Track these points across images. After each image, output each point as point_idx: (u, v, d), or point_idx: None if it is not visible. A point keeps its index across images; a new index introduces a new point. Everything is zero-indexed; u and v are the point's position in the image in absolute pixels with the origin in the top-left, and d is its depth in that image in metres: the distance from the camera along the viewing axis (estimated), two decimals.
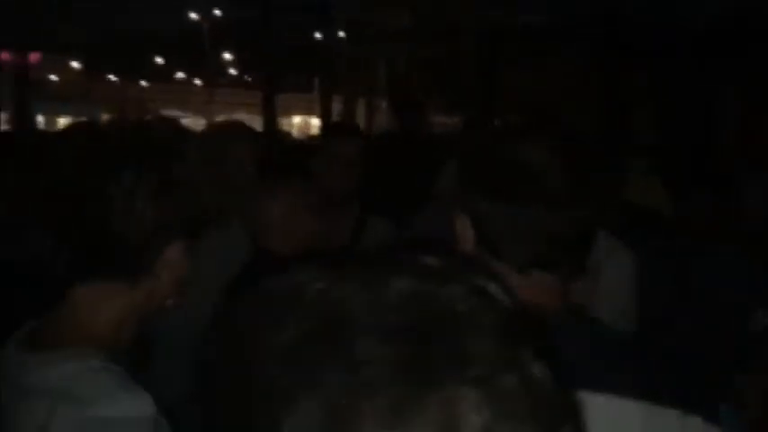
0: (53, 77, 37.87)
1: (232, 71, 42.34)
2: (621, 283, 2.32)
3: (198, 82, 43.97)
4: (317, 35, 24.45)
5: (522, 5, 11.53)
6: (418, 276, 0.45)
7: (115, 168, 1.00)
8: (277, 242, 2.02)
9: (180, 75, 46.36)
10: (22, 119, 17.53)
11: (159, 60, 42.94)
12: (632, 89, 11.58)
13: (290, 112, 40.86)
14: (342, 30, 24.35)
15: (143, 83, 43.35)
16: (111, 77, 42.99)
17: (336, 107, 24.12)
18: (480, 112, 12.17)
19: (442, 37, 15.99)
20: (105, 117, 41.78)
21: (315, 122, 29.64)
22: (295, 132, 30.37)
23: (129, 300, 1.00)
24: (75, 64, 41.00)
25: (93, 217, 0.97)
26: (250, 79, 38.19)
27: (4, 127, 21.07)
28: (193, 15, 34.27)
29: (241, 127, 3.07)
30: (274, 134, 13.04)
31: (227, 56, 40.07)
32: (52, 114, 33.89)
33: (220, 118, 43.08)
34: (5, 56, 32.45)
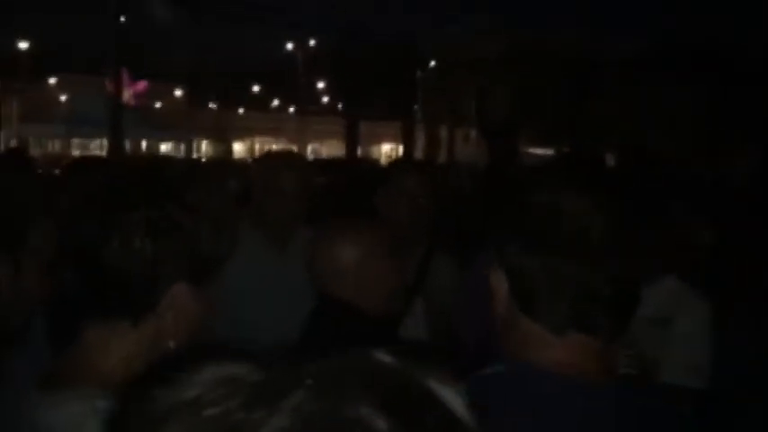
0: (158, 105, 39.84)
1: (325, 99, 43.29)
2: (694, 335, 2.19)
3: (292, 110, 45.22)
4: (410, 64, 24.76)
5: (620, 34, 11.27)
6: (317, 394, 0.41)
7: (116, 208, 1.03)
8: (349, 292, 1.71)
9: (276, 103, 47.85)
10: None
11: (256, 89, 44.47)
12: (737, 121, 11.05)
13: (381, 140, 41.32)
14: (434, 59, 24.52)
15: (240, 110, 44.97)
16: (212, 105, 44.82)
17: (420, 135, 24.20)
18: (574, 144, 11.89)
19: (536, 66, 15.84)
20: (204, 144, 43.75)
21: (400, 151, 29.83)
22: (383, 161, 30.70)
23: (135, 340, 1.02)
24: (178, 92, 43.01)
25: (90, 255, 1.01)
26: (341, 108, 38.97)
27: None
28: (289, 45, 35.35)
29: (290, 156, 2.98)
30: (355, 162, 13.06)
31: (321, 84, 41.03)
32: (156, 140, 35.63)
33: (312, 146, 44.21)
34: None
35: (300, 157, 3.50)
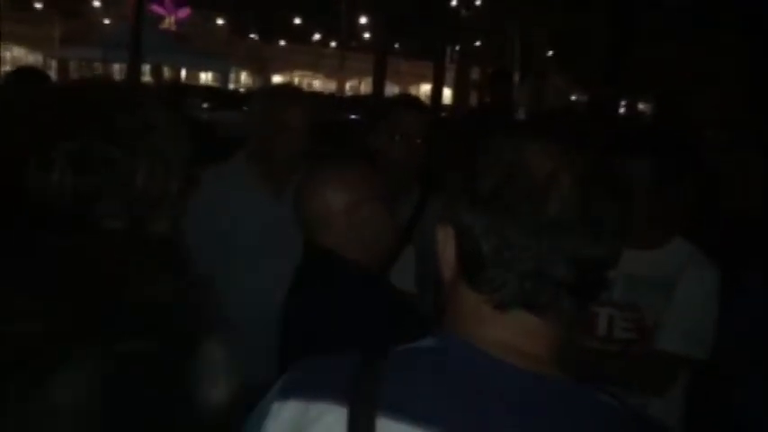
0: (200, 33, 39.61)
1: (367, 36, 42.62)
2: (697, 303, 2.01)
3: (333, 45, 44.63)
4: (453, 3, 24.07)
5: None
6: None
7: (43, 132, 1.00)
8: (336, 240, 1.60)
9: (317, 36, 47.25)
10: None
11: (298, 21, 43.90)
12: None
13: (422, 80, 40.69)
14: None
15: (282, 43, 44.54)
16: (253, 36, 44.43)
17: (450, 76, 23.59)
18: (609, 90, 11.50)
19: (576, 8, 15.25)
20: (243, 74, 43.59)
21: (447, 92, 29.32)
22: (424, 100, 30.15)
23: None
24: (219, 21, 42.68)
25: (8, 184, 0.99)
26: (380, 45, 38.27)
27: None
28: None
29: (294, 91, 2.75)
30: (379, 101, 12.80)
31: (363, 20, 40.30)
32: (195, 69, 35.56)
33: (351, 83, 43.73)
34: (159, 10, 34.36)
35: (304, 92, 3.32)
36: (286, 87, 3.65)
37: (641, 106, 20.26)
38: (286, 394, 0.85)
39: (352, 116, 14.69)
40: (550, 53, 21.84)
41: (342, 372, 0.83)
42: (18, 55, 37.11)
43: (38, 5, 37.57)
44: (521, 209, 0.81)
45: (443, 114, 15.88)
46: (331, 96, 29.25)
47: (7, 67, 34.12)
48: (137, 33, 16.66)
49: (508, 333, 0.84)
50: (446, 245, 0.89)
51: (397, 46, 38.51)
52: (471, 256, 0.84)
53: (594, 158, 0.87)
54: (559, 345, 0.86)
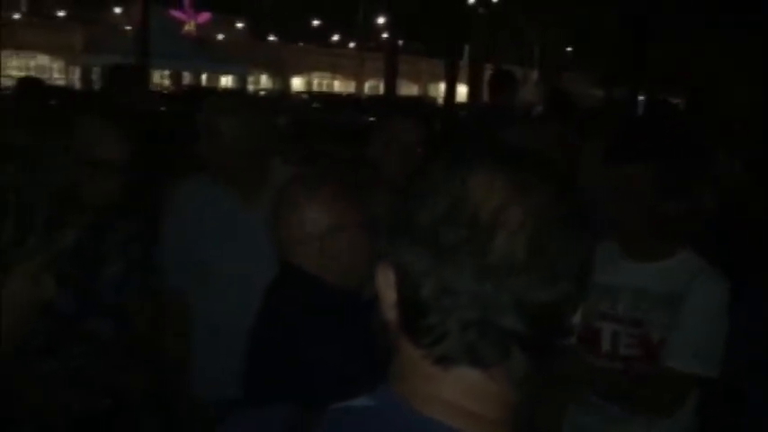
0: (220, 37, 39.82)
1: (385, 36, 42.57)
2: (706, 319, 1.92)
3: (352, 45, 44.63)
4: (470, 1, 23.91)
5: None
6: None
7: None
8: (313, 263, 1.52)
9: (335, 38, 47.28)
10: None
11: (316, 23, 43.94)
12: None
13: (440, 79, 40.52)
14: None
15: (300, 44, 44.62)
16: (272, 38, 44.57)
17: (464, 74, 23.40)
18: (629, 87, 11.31)
19: (593, 6, 15.04)
20: (263, 77, 43.71)
21: (462, 90, 29.15)
22: (440, 100, 30.08)
23: None
24: (239, 24, 42.87)
25: None
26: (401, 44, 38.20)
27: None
28: None
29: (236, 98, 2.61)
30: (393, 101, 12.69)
31: (381, 20, 40.24)
32: (215, 73, 35.75)
33: (370, 83, 43.66)
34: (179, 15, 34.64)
35: (249, 98, 3.21)
36: (226, 98, 3.43)
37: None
38: None
39: (371, 118, 14.67)
40: (569, 49, 21.60)
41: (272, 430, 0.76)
42: (42, 63, 37.60)
43: (60, 13, 38.01)
44: (462, 249, 0.71)
45: (459, 113, 15.79)
46: (349, 97, 29.23)
47: (32, 74, 34.67)
48: (144, 38, 16.76)
49: (453, 392, 0.73)
50: (386, 285, 0.77)
51: (416, 45, 38.41)
52: (409, 300, 0.74)
53: (555, 188, 0.76)
54: (512, 405, 0.75)
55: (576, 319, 0.75)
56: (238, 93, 3.94)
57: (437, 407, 0.73)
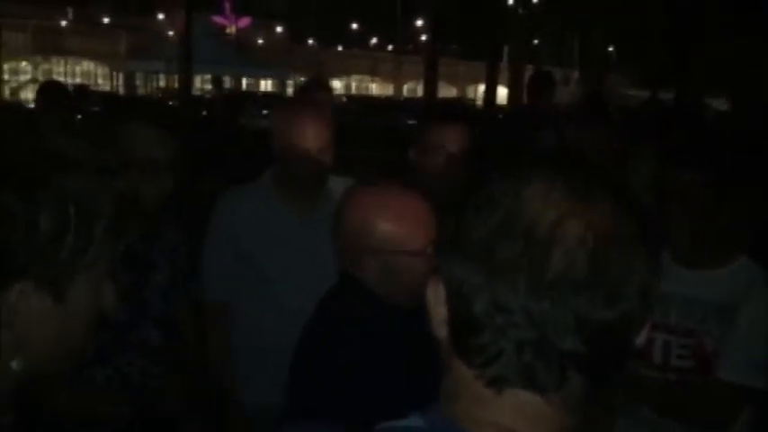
0: (260, 41, 40.23)
1: (423, 38, 42.53)
2: (763, 329, 1.83)
3: (390, 48, 44.67)
4: (510, 1, 23.73)
5: None
6: None
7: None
8: (373, 279, 1.46)
9: (374, 41, 47.40)
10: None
11: (355, 26, 44.11)
12: None
13: (479, 81, 40.32)
14: None
15: (339, 48, 44.85)
16: (311, 42, 44.87)
17: (505, 76, 23.18)
18: (677, 88, 11.08)
19: (636, 6, 14.78)
20: (302, 80, 44.02)
21: (502, 92, 28.94)
22: (479, 102, 29.88)
23: None
24: (279, 29, 43.25)
25: None
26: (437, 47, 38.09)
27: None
28: None
29: (309, 105, 2.43)
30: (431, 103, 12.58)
31: (419, 23, 40.22)
32: (254, 77, 36.14)
33: (408, 85, 43.68)
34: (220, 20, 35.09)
35: (324, 97, 3.08)
36: (301, 101, 3.27)
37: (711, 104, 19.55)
38: None
39: (410, 121, 14.65)
40: (610, 49, 21.30)
41: None
42: (87, 68, 38.51)
43: (105, 20, 38.84)
44: (518, 264, 0.67)
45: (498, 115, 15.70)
46: (388, 100, 29.26)
47: (78, 80, 35.53)
48: (187, 44, 16.99)
49: (506, 416, 0.70)
50: (437, 301, 0.75)
51: (454, 47, 38.29)
52: (461, 317, 0.71)
53: (616, 199, 0.72)
54: (568, 429, 0.72)
55: (641, 339, 0.72)
56: (303, 99, 3.81)
57: (488, 430, 0.70)
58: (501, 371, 0.69)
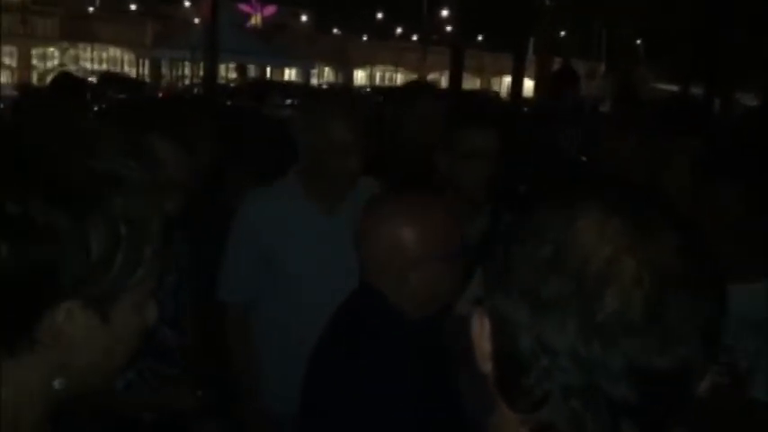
0: (285, 30, 40.25)
1: (448, 29, 42.30)
2: None
3: (415, 38, 44.51)
4: None
5: None
6: None
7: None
8: (393, 290, 1.42)
9: (399, 31, 47.24)
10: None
11: (380, 16, 43.98)
12: None
13: (504, 73, 40.06)
14: None
15: (364, 38, 44.74)
16: (336, 31, 44.82)
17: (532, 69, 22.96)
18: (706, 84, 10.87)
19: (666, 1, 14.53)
20: (326, 69, 44.07)
21: (528, 84, 28.71)
22: (504, 94, 29.70)
23: (20, 378, 0.84)
24: (304, 18, 43.24)
25: None
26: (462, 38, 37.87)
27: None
28: None
29: (341, 100, 2.31)
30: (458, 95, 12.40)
31: (445, 13, 39.98)
32: (279, 66, 36.17)
33: (432, 76, 43.51)
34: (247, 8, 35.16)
35: (353, 94, 3.02)
36: (332, 96, 3.12)
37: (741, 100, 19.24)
38: None
39: None
40: (638, 41, 21.01)
41: None
42: (114, 55, 38.83)
43: (132, 7, 39.10)
44: (567, 303, 0.63)
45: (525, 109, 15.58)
46: None
47: (104, 66, 35.84)
48: (212, 33, 16.93)
49: None
50: (482, 335, 0.71)
51: (480, 38, 38.03)
52: (505, 354, 0.67)
53: (679, 237, 0.66)
54: None
55: (703, 387, 0.67)
56: (336, 91, 3.69)
57: None
58: (548, 416, 0.65)
